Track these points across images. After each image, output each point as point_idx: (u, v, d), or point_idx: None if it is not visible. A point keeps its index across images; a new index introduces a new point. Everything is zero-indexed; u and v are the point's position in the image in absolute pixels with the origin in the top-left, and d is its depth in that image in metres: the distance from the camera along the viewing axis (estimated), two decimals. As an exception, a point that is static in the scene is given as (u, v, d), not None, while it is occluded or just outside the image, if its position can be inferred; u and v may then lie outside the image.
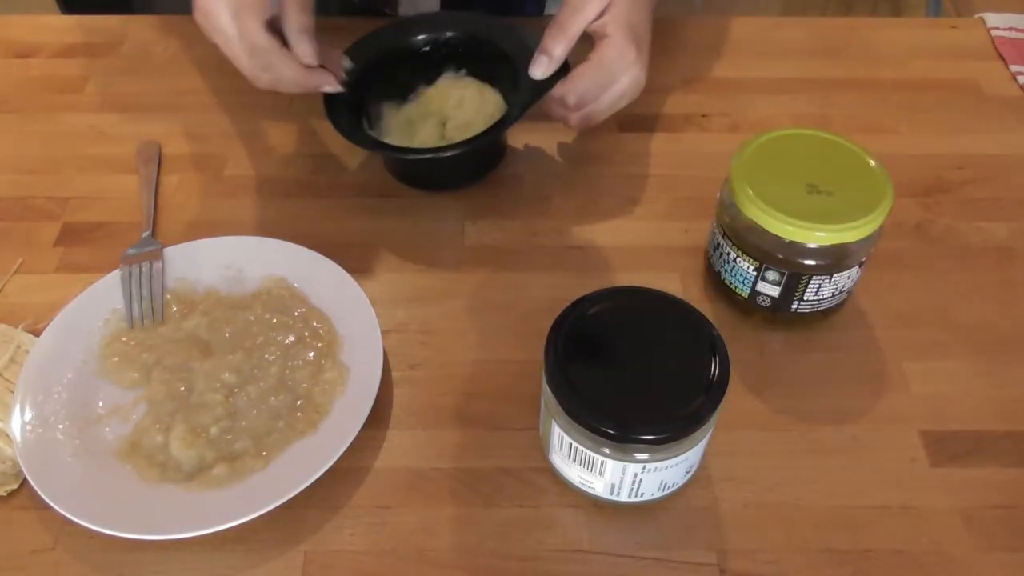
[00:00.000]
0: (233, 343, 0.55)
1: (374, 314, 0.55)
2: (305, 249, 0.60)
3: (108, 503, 0.47)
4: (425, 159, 0.62)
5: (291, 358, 0.54)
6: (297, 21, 0.55)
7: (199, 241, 0.61)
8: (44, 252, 0.63)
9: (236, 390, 0.53)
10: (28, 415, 0.51)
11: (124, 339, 0.56)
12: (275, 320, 0.56)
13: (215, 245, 0.60)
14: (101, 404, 0.53)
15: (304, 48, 0.56)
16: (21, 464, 0.49)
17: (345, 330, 0.56)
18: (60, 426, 0.51)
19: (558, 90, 0.61)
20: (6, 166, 0.69)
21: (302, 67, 0.57)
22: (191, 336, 0.56)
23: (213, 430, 0.51)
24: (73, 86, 0.76)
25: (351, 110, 0.64)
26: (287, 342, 0.55)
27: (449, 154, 0.61)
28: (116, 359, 0.55)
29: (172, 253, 0.60)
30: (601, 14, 0.60)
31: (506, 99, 0.67)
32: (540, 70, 0.60)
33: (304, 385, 0.53)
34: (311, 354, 0.54)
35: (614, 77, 0.60)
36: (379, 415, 0.53)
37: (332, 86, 0.60)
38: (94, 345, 0.55)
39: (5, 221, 0.65)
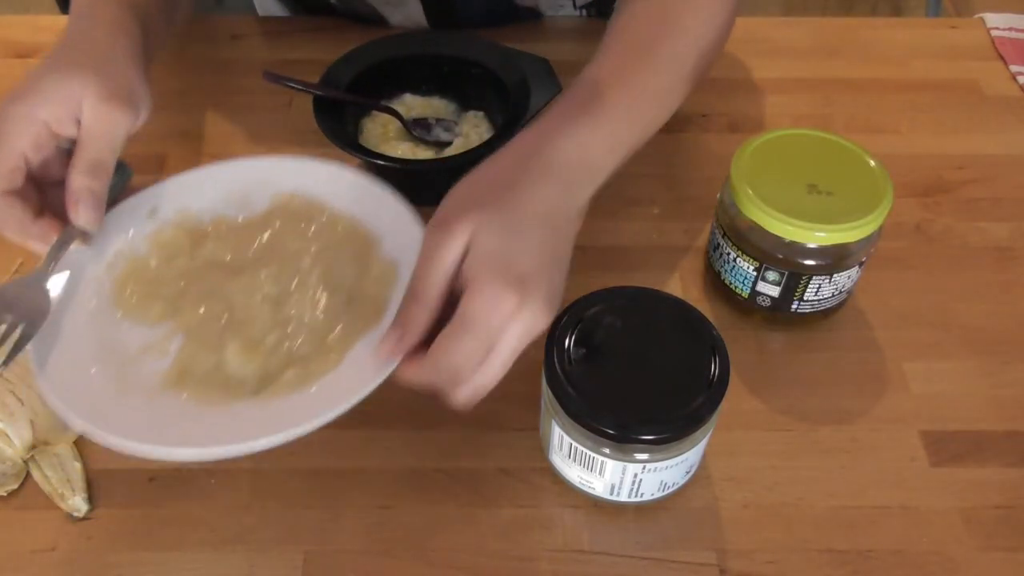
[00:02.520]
0: (261, 258, 0.52)
1: (407, 207, 0.52)
2: (310, 160, 0.56)
3: (186, 431, 0.44)
4: (404, 172, 0.63)
5: (330, 261, 0.51)
6: (75, 185, 0.49)
7: (188, 173, 0.56)
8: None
9: (281, 300, 0.49)
10: (55, 367, 0.46)
11: (136, 279, 0.52)
12: (301, 226, 0.53)
13: (209, 174, 0.56)
14: (130, 343, 0.49)
15: (85, 211, 0.49)
16: (69, 413, 0.44)
17: (380, 228, 0.52)
18: (92, 370, 0.47)
19: (417, 374, 0.44)
20: (6, 166, 0.69)
21: (25, 219, 0.49)
22: (211, 262, 0.52)
23: (270, 339, 0.48)
24: (73, 86, 0.76)
25: (339, 120, 0.64)
26: (320, 247, 0.52)
27: (439, 166, 0.61)
28: (134, 298, 0.51)
29: (166, 188, 0.56)
30: (464, 253, 0.44)
31: (491, 120, 0.67)
32: (382, 353, 0.44)
33: (354, 283, 0.50)
34: (350, 254, 0.51)
35: (491, 337, 0.43)
36: (379, 415, 0.53)
37: (44, 247, 0.50)
38: (105, 289, 0.51)
39: (5, 221, 0.65)
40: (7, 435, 0.51)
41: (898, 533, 0.48)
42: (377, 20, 0.81)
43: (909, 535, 0.48)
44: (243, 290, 0.50)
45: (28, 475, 0.50)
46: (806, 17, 0.86)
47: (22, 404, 0.52)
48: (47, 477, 0.50)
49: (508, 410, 0.53)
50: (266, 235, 0.53)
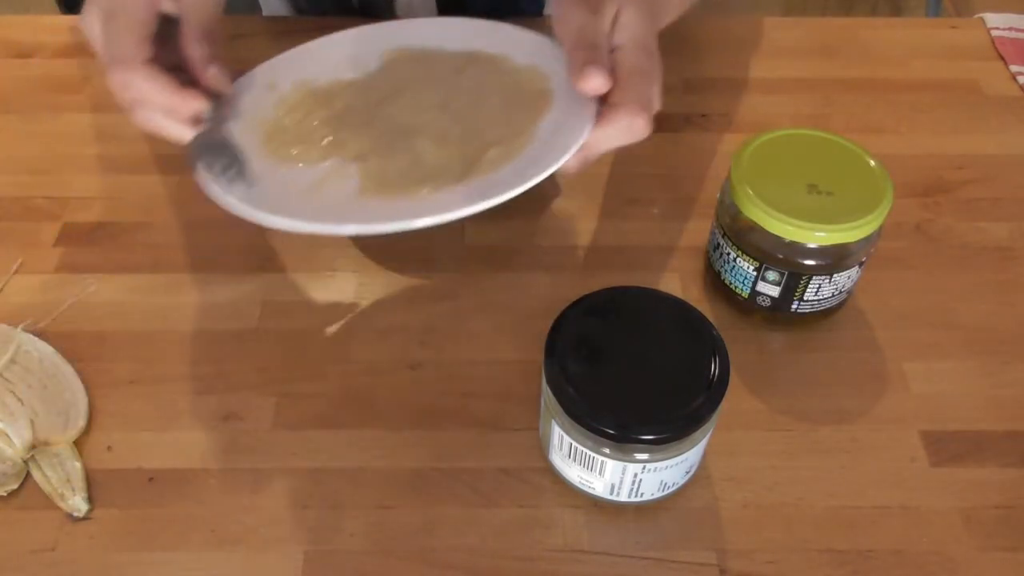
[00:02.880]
0: (402, 88, 0.51)
1: (521, 28, 0.52)
2: (408, 20, 0.56)
3: (409, 209, 0.43)
4: None
5: (472, 74, 0.50)
6: (200, 53, 0.49)
7: (289, 51, 0.56)
8: (44, 252, 0.63)
9: (445, 106, 0.49)
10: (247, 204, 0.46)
11: (283, 135, 0.51)
12: (422, 64, 0.52)
13: (311, 48, 0.56)
14: (306, 182, 0.48)
15: (218, 74, 0.50)
16: (286, 220, 0.44)
17: (503, 47, 0.52)
18: (281, 205, 0.46)
19: (617, 116, 0.46)
20: (6, 166, 0.69)
21: (173, 86, 0.48)
22: (351, 105, 0.51)
23: (456, 131, 0.47)
24: (73, 86, 0.76)
25: None
26: (453, 69, 0.51)
27: None
28: (292, 149, 0.50)
29: (271, 65, 0.55)
30: (613, 20, 0.49)
31: None
32: (595, 83, 0.46)
33: (506, 84, 0.49)
34: (487, 68, 0.51)
35: (651, 84, 0.48)
36: (379, 415, 0.53)
37: (198, 116, 0.50)
38: (255, 148, 0.50)
39: (5, 221, 0.65)
40: (7, 435, 0.51)
41: (898, 533, 0.48)
42: (385, 7, 0.80)
43: (909, 535, 0.48)
44: (403, 109, 0.50)
45: (28, 475, 0.50)
46: (806, 17, 0.86)
47: (22, 404, 0.52)
48: (47, 477, 0.50)
49: (508, 410, 0.53)
50: (393, 76, 0.53)
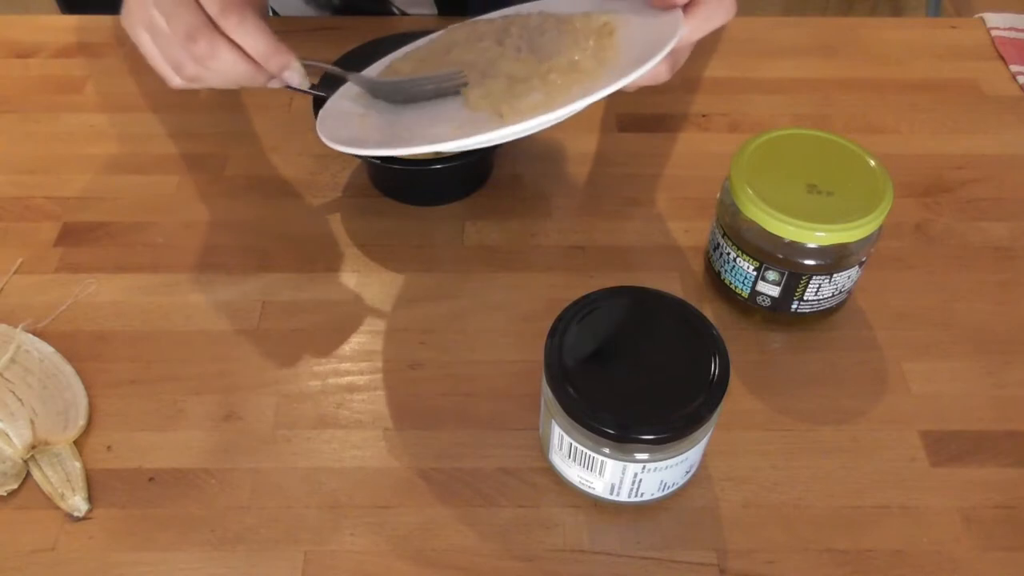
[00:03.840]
0: (454, 45, 0.55)
1: None
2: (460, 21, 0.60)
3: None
4: (404, 172, 0.63)
5: (520, 20, 0.54)
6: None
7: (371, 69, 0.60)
8: (44, 252, 0.63)
9: (502, 40, 0.52)
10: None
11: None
12: (472, 24, 0.57)
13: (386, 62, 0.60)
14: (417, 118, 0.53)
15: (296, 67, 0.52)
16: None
17: (545, 6, 0.55)
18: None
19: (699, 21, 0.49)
20: (6, 166, 0.69)
21: (246, 56, 0.50)
22: (419, 64, 0.56)
23: (526, 54, 0.50)
24: (73, 86, 0.76)
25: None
26: (503, 23, 0.55)
27: (439, 166, 0.62)
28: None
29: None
30: None
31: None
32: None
33: (561, 22, 0.52)
34: (535, 15, 0.54)
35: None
36: (379, 415, 0.53)
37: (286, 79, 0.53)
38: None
39: (5, 221, 0.65)
40: (7, 435, 0.51)
41: (898, 533, 0.48)
42: (387, 7, 0.81)
43: (909, 535, 0.48)
44: (464, 52, 0.54)
45: (28, 475, 0.50)
46: (806, 17, 0.86)
47: (22, 404, 0.52)
48: (47, 477, 0.50)
49: (508, 410, 0.53)
50: (444, 41, 0.57)
